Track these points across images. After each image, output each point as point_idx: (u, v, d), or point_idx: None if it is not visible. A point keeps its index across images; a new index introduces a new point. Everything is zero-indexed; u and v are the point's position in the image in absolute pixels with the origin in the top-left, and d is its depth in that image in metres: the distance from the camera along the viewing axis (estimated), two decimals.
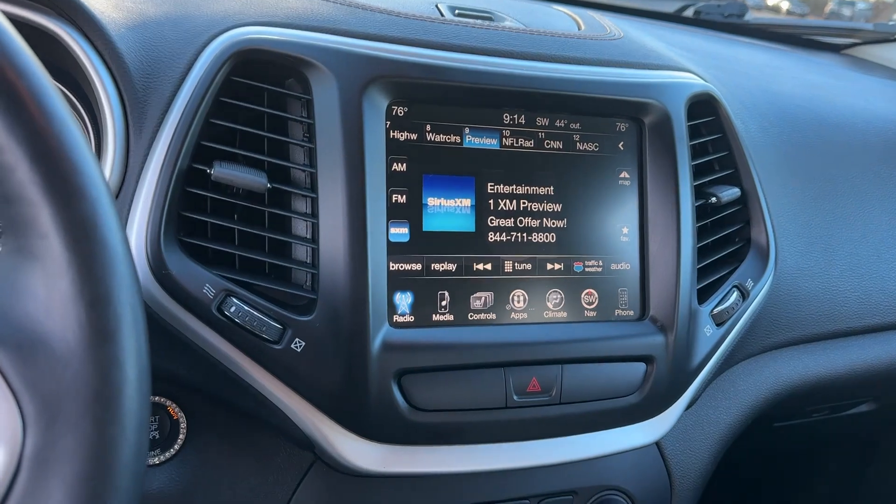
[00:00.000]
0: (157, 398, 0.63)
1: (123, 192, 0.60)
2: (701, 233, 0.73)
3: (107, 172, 0.60)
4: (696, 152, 0.73)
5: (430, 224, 0.64)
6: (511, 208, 0.66)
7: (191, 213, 0.59)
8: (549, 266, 0.68)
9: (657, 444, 0.78)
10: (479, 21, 0.70)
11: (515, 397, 0.63)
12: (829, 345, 0.87)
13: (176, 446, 0.64)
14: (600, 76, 0.68)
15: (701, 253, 0.73)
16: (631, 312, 0.70)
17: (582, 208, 0.68)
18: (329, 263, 0.59)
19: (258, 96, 0.61)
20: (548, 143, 0.68)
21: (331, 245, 0.59)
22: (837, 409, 1.02)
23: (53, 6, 0.61)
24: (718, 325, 0.73)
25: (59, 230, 0.35)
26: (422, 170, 0.64)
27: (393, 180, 0.62)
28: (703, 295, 0.72)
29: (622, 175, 0.70)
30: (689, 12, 1.34)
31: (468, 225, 0.65)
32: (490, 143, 0.66)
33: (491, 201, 0.66)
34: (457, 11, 0.72)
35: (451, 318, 0.64)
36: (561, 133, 0.68)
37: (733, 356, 0.78)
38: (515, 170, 0.67)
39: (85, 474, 0.33)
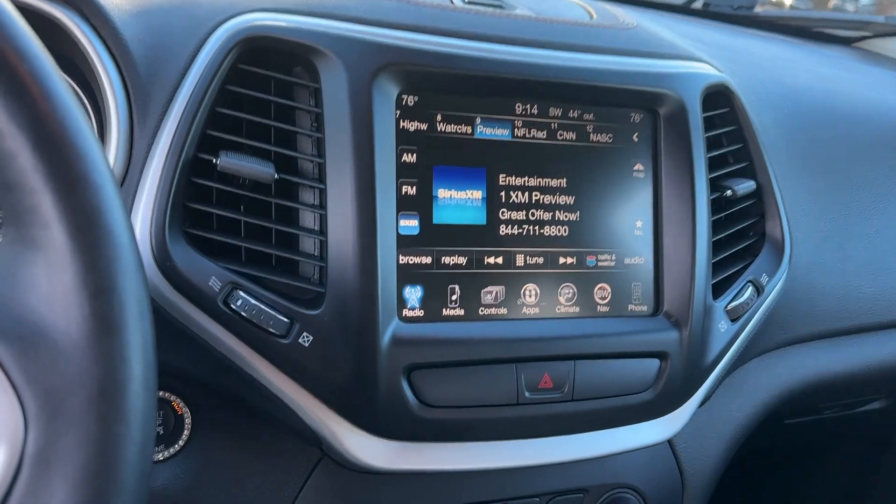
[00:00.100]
0: (161, 393, 0.62)
1: (127, 182, 0.58)
2: (715, 227, 0.72)
3: (110, 162, 0.58)
4: (710, 145, 0.72)
5: (440, 216, 0.62)
6: (523, 201, 0.65)
7: (196, 204, 0.58)
8: (562, 260, 0.66)
9: (669, 441, 0.77)
10: (490, 9, 0.69)
11: (527, 394, 0.62)
12: (843, 341, 0.85)
13: (180, 442, 0.62)
14: (615, 65, 0.66)
15: (715, 247, 0.71)
16: (644, 308, 0.68)
17: (595, 201, 0.67)
18: (337, 256, 0.58)
19: (265, 85, 0.60)
20: (561, 135, 0.66)
21: (339, 237, 0.58)
22: (849, 406, 1.01)
23: None
24: (733, 320, 0.71)
25: (62, 219, 0.34)
26: (432, 161, 0.62)
27: (403, 171, 0.61)
28: (718, 290, 0.71)
29: (636, 167, 0.69)
30: (698, 4, 1.32)
31: (479, 218, 0.64)
32: (502, 133, 0.64)
33: (502, 193, 0.64)
34: None
35: (461, 312, 0.63)
36: (574, 124, 0.66)
37: (747, 352, 0.76)
38: (527, 161, 0.65)
39: (89, 473, 0.32)
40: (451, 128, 0.63)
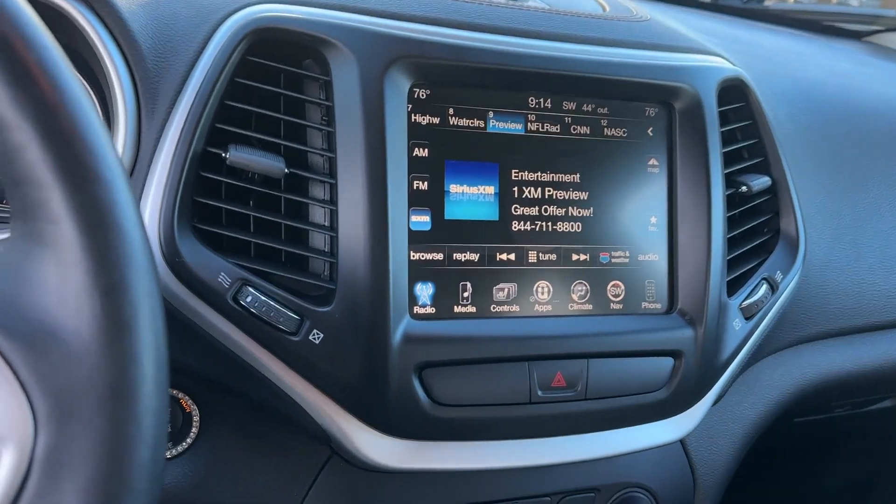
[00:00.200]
0: (169, 390, 0.61)
1: (135, 176, 0.57)
2: (730, 223, 0.70)
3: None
4: (724, 140, 0.71)
5: (452, 212, 0.61)
6: (536, 196, 0.64)
7: (205, 199, 0.57)
8: (575, 257, 0.65)
9: (681, 440, 0.76)
10: (503, 0, 0.68)
11: (540, 392, 0.61)
12: (857, 339, 0.84)
13: (188, 440, 0.62)
14: (630, 58, 0.65)
15: (729, 244, 0.70)
16: (658, 305, 0.67)
17: (609, 196, 0.66)
18: (348, 252, 0.57)
19: (275, 77, 0.59)
20: (574, 129, 0.65)
21: (350, 233, 0.57)
22: (860, 404, 1.00)
23: None
24: (747, 318, 0.70)
25: (72, 214, 0.33)
26: (444, 155, 0.61)
27: (414, 166, 0.60)
28: (732, 288, 0.70)
29: (651, 162, 0.68)
30: None
31: (491, 213, 0.63)
32: (515, 127, 0.63)
33: (515, 189, 0.63)
34: None
35: (473, 309, 0.62)
36: (588, 118, 0.65)
37: (760, 351, 0.76)
38: (541, 156, 0.64)
39: (100, 476, 0.31)
40: (463, 122, 0.62)
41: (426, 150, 0.61)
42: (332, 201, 0.58)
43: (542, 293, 0.64)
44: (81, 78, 0.61)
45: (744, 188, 0.72)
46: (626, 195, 0.67)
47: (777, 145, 0.76)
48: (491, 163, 0.63)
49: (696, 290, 0.67)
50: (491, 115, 0.63)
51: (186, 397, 0.62)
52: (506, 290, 0.63)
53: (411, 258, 0.60)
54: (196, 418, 0.62)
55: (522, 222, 0.63)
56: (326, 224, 0.58)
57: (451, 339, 0.59)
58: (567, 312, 0.64)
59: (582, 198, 0.65)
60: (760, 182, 0.73)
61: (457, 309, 0.61)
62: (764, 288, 0.72)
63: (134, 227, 0.34)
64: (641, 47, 0.68)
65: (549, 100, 0.64)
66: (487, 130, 0.63)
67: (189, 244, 0.55)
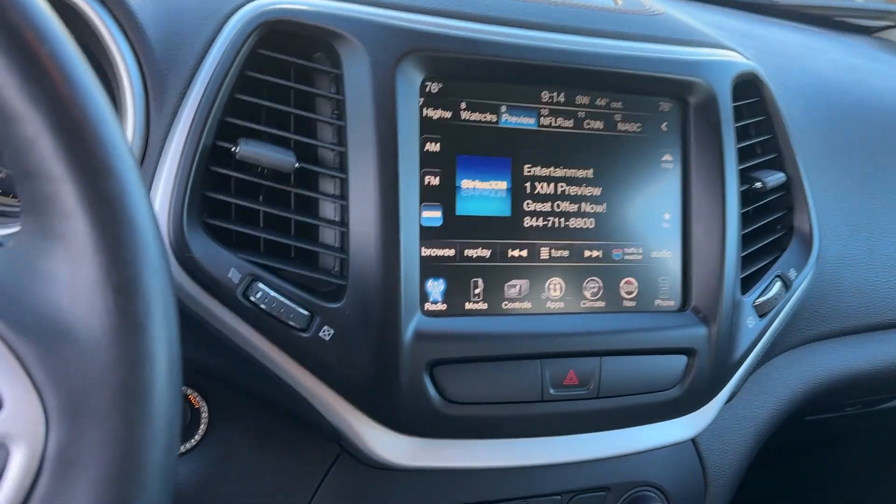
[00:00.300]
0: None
1: (143, 170, 0.57)
2: (743, 220, 0.70)
3: None
4: (738, 135, 0.70)
5: (463, 208, 0.61)
6: (548, 192, 0.63)
7: (214, 194, 0.56)
8: (587, 253, 0.64)
9: (693, 440, 0.75)
10: None
11: (552, 390, 0.60)
12: (870, 337, 0.83)
13: (197, 436, 0.61)
14: (644, 52, 0.64)
15: (743, 241, 0.69)
16: (672, 303, 0.67)
17: (622, 192, 0.65)
18: (359, 248, 0.56)
19: (285, 71, 0.58)
20: (588, 123, 0.64)
21: (361, 228, 0.56)
22: (871, 403, 0.99)
23: None
24: (761, 316, 0.69)
25: (84, 209, 0.32)
26: (456, 150, 0.60)
27: (426, 161, 0.59)
28: (745, 285, 0.69)
29: (665, 158, 0.67)
30: None
31: (503, 209, 0.62)
32: (527, 122, 0.63)
33: (527, 184, 0.63)
34: None
35: (484, 306, 0.61)
36: (602, 112, 0.65)
37: (773, 349, 0.75)
38: (553, 151, 0.63)
39: (112, 476, 0.31)
40: (475, 116, 0.61)
41: (438, 144, 0.60)
42: (343, 196, 0.57)
43: (555, 290, 0.63)
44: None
45: (758, 184, 0.71)
46: (639, 191, 0.66)
47: (791, 141, 0.75)
48: (503, 158, 0.62)
49: (709, 287, 0.66)
50: (503, 109, 0.62)
51: (195, 393, 0.61)
52: (518, 286, 0.62)
53: (422, 254, 0.59)
54: (204, 415, 0.61)
55: (535, 218, 0.63)
56: (337, 219, 0.58)
57: (463, 336, 0.59)
58: (579, 309, 0.64)
59: (595, 193, 0.65)
60: (775, 178, 0.72)
61: (468, 306, 0.61)
62: (778, 285, 0.71)
63: (147, 222, 0.33)
64: (655, 41, 0.67)
65: (562, 94, 0.63)
66: (500, 125, 0.62)
67: (198, 239, 0.55)
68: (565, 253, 0.64)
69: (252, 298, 0.55)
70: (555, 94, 0.63)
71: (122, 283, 0.32)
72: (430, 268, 0.59)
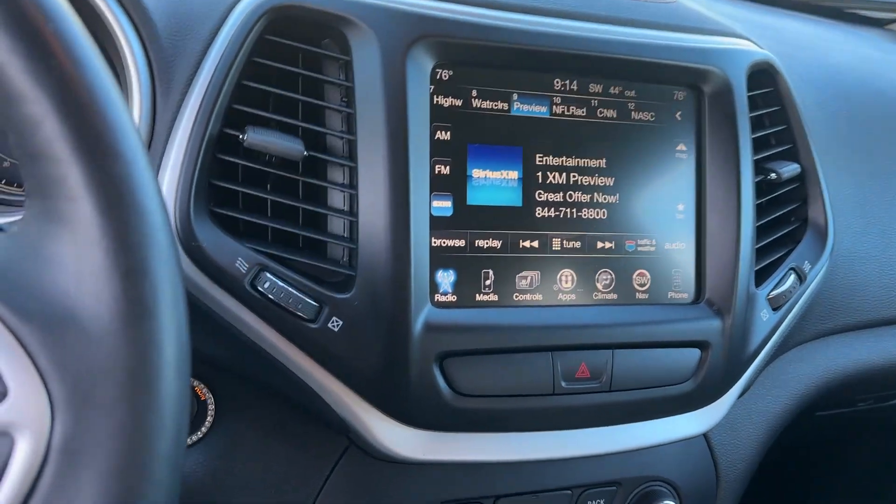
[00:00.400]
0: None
1: (149, 158, 0.56)
2: (757, 211, 0.68)
3: None
4: (752, 126, 0.69)
5: (474, 197, 0.60)
6: (560, 182, 0.62)
7: (222, 182, 0.55)
8: (600, 244, 0.63)
9: (704, 435, 0.74)
10: None
11: (563, 383, 0.59)
12: (884, 331, 0.82)
13: (203, 428, 0.60)
14: (658, 40, 0.63)
15: (757, 233, 0.68)
16: (685, 295, 0.66)
17: (635, 183, 0.64)
18: (368, 238, 0.55)
19: (293, 57, 0.57)
20: (601, 112, 0.63)
21: (371, 218, 0.55)
22: (883, 398, 0.98)
23: None
24: (775, 309, 0.68)
25: (91, 192, 0.31)
26: (467, 139, 0.59)
27: (436, 150, 0.58)
28: (759, 278, 0.68)
29: (679, 147, 0.66)
30: None
31: (514, 199, 0.61)
32: (539, 110, 0.61)
33: (539, 174, 0.61)
34: None
35: (495, 298, 0.60)
36: (615, 101, 0.63)
37: (787, 342, 0.74)
38: (566, 140, 0.62)
39: (119, 466, 0.30)
40: (486, 104, 0.60)
41: (448, 132, 0.59)
42: (353, 185, 0.56)
43: (566, 282, 0.62)
44: None
45: (773, 175, 0.70)
46: (653, 181, 0.65)
47: (806, 132, 0.74)
48: (514, 147, 0.61)
49: (724, 279, 0.65)
50: (515, 97, 0.61)
51: (201, 385, 0.60)
52: (529, 277, 0.61)
53: (433, 244, 0.58)
54: (211, 407, 0.60)
55: (546, 208, 0.62)
56: (346, 209, 0.57)
57: (473, 328, 0.58)
58: (591, 302, 0.63)
59: (608, 184, 0.63)
60: (790, 169, 0.71)
61: (479, 297, 0.60)
62: (792, 278, 0.70)
63: (155, 207, 0.33)
64: (669, 29, 0.65)
65: (575, 82, 0.62)
66: (511, 113, 0.61)
67: (205, 228, 0.54)
68: (577, 244, 0.63)
69: (260, 288, 0.54)
70: (567, 81, 0.62)
71: (130, 269, 0.31)
72: (440, 258, 0.58)
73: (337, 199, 0.57)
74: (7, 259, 0.32)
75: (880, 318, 0.81)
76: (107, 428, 0.30)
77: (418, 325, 0.55)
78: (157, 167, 0.55)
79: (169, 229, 0.33)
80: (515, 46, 0.59)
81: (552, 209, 0.62)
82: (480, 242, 0.60)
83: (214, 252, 0.53)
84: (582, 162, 0.63)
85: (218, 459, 0.61)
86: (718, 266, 0.65)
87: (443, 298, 0.58)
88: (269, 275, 0.54)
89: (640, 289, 0.64)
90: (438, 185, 0.58)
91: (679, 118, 0.66)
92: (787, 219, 0.74)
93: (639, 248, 0.64)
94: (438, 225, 0.58)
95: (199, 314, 0.55)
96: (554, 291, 0.62)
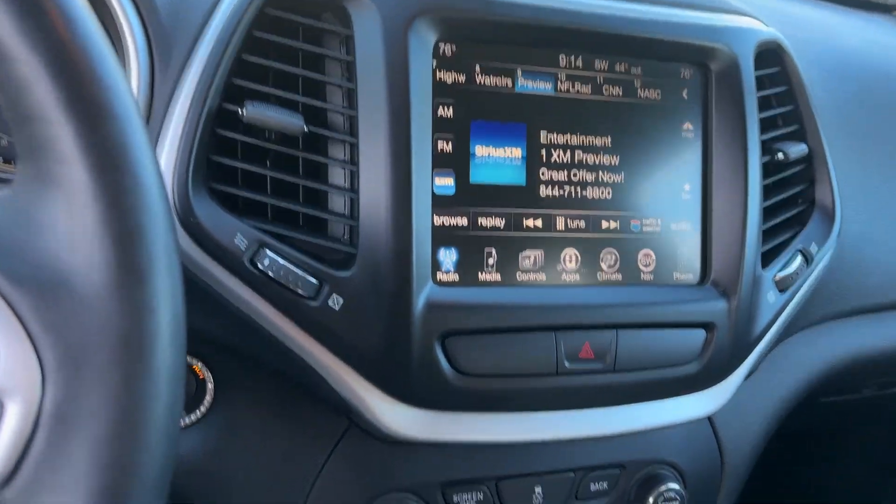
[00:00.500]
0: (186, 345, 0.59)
1: (144, 122, 0.55)
2: (764, 192, 0.67)
3: None
4: (759, 106, 0.68)
5: (477, 175, 0.59)
6: (565, 160, 0.61)
7: (221, 158, 0.54)
8: (604, 224, 0.62)
9: (709, 418, 0.74)
10: None
11: (567, 363, 0.59)
12: (891, 316, 0.81)
13: (202, 408, 0.60)
14: (665, 16, 0.62)
15: (764, 214, 0.67)
16: (690, 276, 0.65)
17: (641, 162, 0.63)
18: (369, 215, 0.54)
19: (294, 31, 0.56)
20: (606, 90, 0.62)
21: (372, 195, 0.54)
22: (887, 385, 0.97)
23: None
24: (781, 291, 0.67)
25: (83, 154, 0.30)
26: (470, 115, 0.58)
27: (439, 126, 0.57)
28: (766, 259, 0.67)
29: (685, 126, 0.65)
30: None
31: (518, 177, 0.60)
32: (544, 87, 0.60)
33: (543, 152, 0.61)
34: None
35: (498, 277, 0.59)
36: (621, 78, 0.62)
37: (793, 325, 0.73)
38: (571, 118, 0.61)
39: (112, 434, 0.29)
40: (490, 80, 0.59)
41: (451, 109, 0.58)
42: (353, 161, 0.55)
43: (570, 261, 0.61)
44: None
45: (780, 155, 0.69)
46: (658, 161, 0.64)
47: (814, 113, 0.72)
48: (518, 124, 0.60)
49: (730, 260, 0.64)
50: (519, 73, 0.60)
51: (200, 364, 0.60)
52: (532, 257, 0.60)
53: (435, 223, 0.57)
54: (210, 386, 0.60)
55: (550, 187, 0.61)
56: (347, 185, 0.56)
57: (476, 307, 0.57)
58: (595, 282, 0.62)
59: (613, 162, 0.63)
60: (797, 150, 0.70)
61: (481, 276, 0.59)
62: (799, 260, 0.69)
63: (150, 170, 0.32)
64: (676, 6, 0.64)
65: (580, 58, 0.61)
66: (515, 90, 0.60)
67: (204, 204, 0.53)
68: (581, 223, 0.62)
69: (259, 265, 0.53)
70: (573, 58, 0.61)
71: (123, 233, 0.30)
72: (442, 237, 0.58)
73: (338, 175, 0.56)
74: None
75: (888, 303, 0.80)
76: (99, 394, 0.29)
77: (420, 303, 0.55)
78: (154, 142, 0.55)
79: (164, 193, 0.32)
80: (520, 21, 0.58)
81: (556, 188, 0.61)
82: (483, 221, 0.59)
83: (213, 228, 0.53)
84: (587, 140, 0.62)
85: (217, 439, 0.60)
86: (724, 247, 0.64)
87: (445, 277, 0.58)
88: (268, 252, 0.53)
89: (645, 269, 0.64)
90: (441, 162, 0.57)
91: (686, 97, 0.65)
92: (794, 200, 0.73)
93: (644, 228, 0.64)
94: (440, 203, 0.57)
95: (198, 291, 0.54)
96: (558, 271, 0.61)
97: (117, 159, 0.31)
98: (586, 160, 0.62)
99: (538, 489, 0.65)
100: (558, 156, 0.61)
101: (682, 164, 0.64)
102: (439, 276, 0.57)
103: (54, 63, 0.30)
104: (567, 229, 0.61)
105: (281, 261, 0.53)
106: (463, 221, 0.58)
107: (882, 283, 0.80)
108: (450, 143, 0.58)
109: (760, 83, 0.69)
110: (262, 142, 0.55)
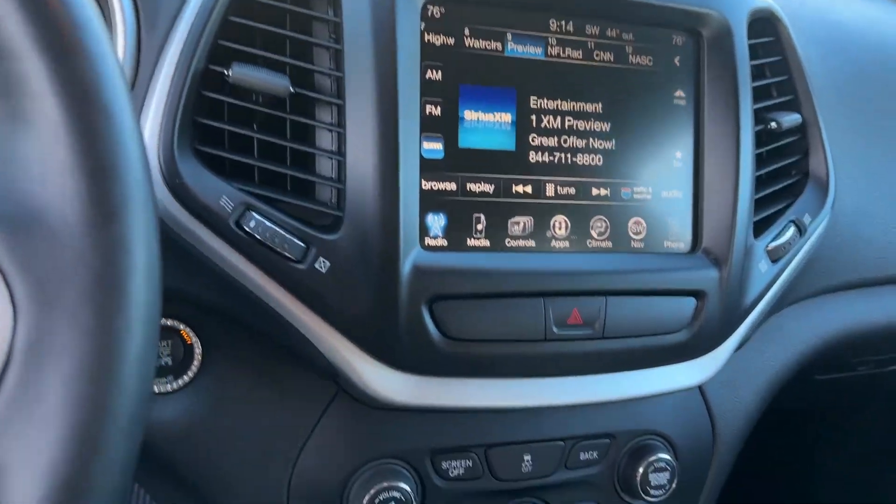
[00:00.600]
0: (169, 321, 0.59)
1: (134, 95, 0.55)
2: (757, 162, 0.67)
3: None
4: (753, 75, 0.67)
5: (466, 140, 0.58)
6: (555, 126, 0.61)
7: (207, 120, 0.54)
8: (595, 191, 0.62)
9: (700, 389, 0.73)
10: None
11: (555, 329, 0.58)
12: (886, 291, 0.81)
13: (190, 373, 0.59)
14: None
15: (757, 184, 0.67)
16: (681, 244, 0.64)
17: (632, 129, 0.63)
18: (356, 178, 0.54)
19: None
20: (598, 55, 0.62)
21: (359, 158, 0.54)
22: (884, 363, 0.97)
23: None
24: (774, 261, 0.67)
25: (55, 90, 0.30)
26: (458, 79, 0.58)
27: (427, 89, 0.57)
28: (758, 229, 0.67)
29: (677, 94, 0.64)
30: None
31: (508, 143, 0.60)
32: (534, 52, 0.60)
33: (533, 117, 0.60)
34: None
35: (486, 243, 0.59)
36: (612, 44, 0.62)
37: (786, 297, 0.72)
38: (561, 83, 0.61)
39: (84, 369, 0.29)
40: (479, 44, 0.58)
41: (439, 72, 0.57)
42: (341, 124, 0.55)
43: (560, 228, 0.61)
44: None
45: (773, 124, 0.68)
46: (650, 128, 0.63)
47: (808, 83, 0.72)
48: (508, 88, 0.59)
49: (721, 229, 0.63)
50: (509, 37, 0.59)
51: (188, 329, 0.59)
52: (521, 223, 0.60)
53: (423, 187, 0.57)
54: (198, 351, 0.60)
55: (540, 153, 0.60)
56: (334, 148, 0.55)
57: (464, 272, 0.57)
58: (585, 249, 0.61)
59: (604, 129, 0.62)
60: (790, 119, 0.69)
61: (470, 242, 0.58)
62: (791, 230, 0.69)
63: (122, 107, 0.31)
64: None
65: (571, 23, 0.60)
66: (505, 54, 0.59)
67: (190, 166, 0.53)
68: (572, 190, 0.61)
69: (245, 227, 0.53)
70: (563, 22, 0.60)
71: (96, 169, 0.30)
72: (430, 201, 0.57)
73: (325, 138, 0.56)
74: None
75: (884, 277, 0.80)
76: (72, 330, 0.29)
77: (406, 267, 0.54)
78: (140, 104, 0.54)
79: (138, 132, 0.32)
80: None
81: (546, 154, 0.61)
82: (472, 186, 0.58)
83: (199, 190, 0.52)
84: (577, 106, 0.61)
85: (204, 405, 0.60)
86: (716, 215, 0.64)
87: (433, 242, 0.57)
88: (254, 214, 0.53)
89: (636, 237, 0.63)
90: (429, 127, 0.57)
91: (678, 64, 0.64)
92: (787, 171, 0.72)
93: (635, 196, 0.63)
94: (429, 167, 0.57)
95: (185, 255, 0.54)
96: (547, 238, 0.61)
97: (89, 95, 0.30)
98: (577, 126, 0.61)
99: (527, 457, 0.65)
100: (548, 122, 0.60)
101: (673, 131, 0.64)
102: (427, 240, 0.57)
103: None
104: (557, 196, 0.61)
105: (267, 223, 0.53)
106: (451, 186, 0.58)
107: (877, 258, 0.79)
108: (438, 107, 0.57)
109: (754, 52, 0.68)
110: (249, 104, 0.55)
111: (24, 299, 0.29)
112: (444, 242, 0.58)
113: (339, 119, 0.55)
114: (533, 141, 0.60)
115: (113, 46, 0.32)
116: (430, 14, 0.57)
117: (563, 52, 0.61)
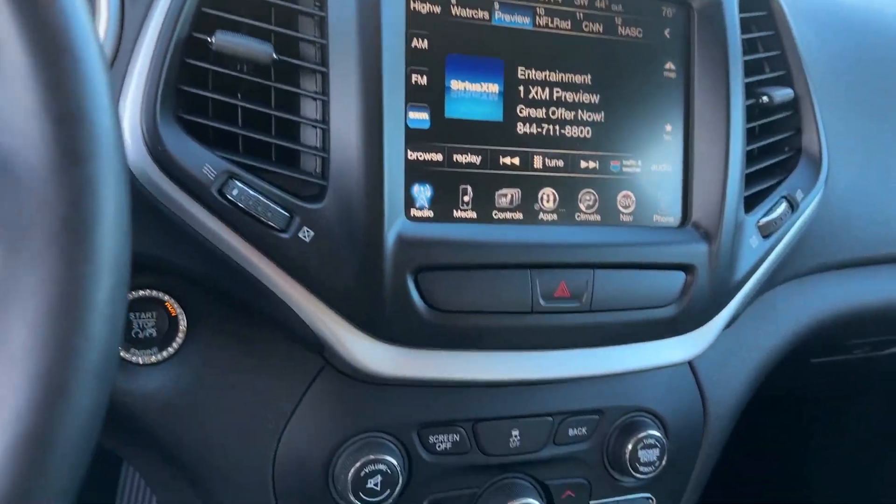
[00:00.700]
0: (153, 292, 0.58)
1: (118, 63, 0.54)
2: (749, 137, 0.67)
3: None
4: (745, 49, 0.66)
5: (452, 110, 0.58)
6: (543, 97, 0.60)
7: (190, 88, 0.53)
8: (583, 164, 0.61)
9: (691, 366, 0.73)
10: None
11: (542, 301, 0.58)
12: (879, 270, 0.80)
13: (174, 345, 0.59)
14: None
15: (749, 159, 0.66)
16: (671, 218, 0.64)
17: (622, 101, 0.62)
18: (340, 147, 0.53)
19: None
20: (587, 26, 0.61)
21: (343, 127, 0.53)
22: (878, 346, 0.96)
23: None
24: (765, 237, 0.67)
25: (19, 32, 0.29)
26: (445, 48, 0.57)
27: (413, 58, 0.56)
28: (750, 205, 0.66)
29: (667, 66, 0.63)
30: None
31: (495, 113, 0.59)
32: (522, 21, 0.59)
33: (521, 88, 0.60)
34: None
35: (473, 215, 0.58)
36: (602, 15, 0.61)
37: (777, 274, 0.72)
38: (549, 54, 0.60)
39: (50, 314, 0.29)
40: (466, 12, 0.58)
41: (426, 41, 0.57)
42: (325, 93, 0.54)
43: (548, 201, 0.60)
44: None
45: (764, 98, 0.68)
46: (639, 100, 0.63)
47: (802, 59, 0.71)
48: (495, 58, 0.59)
49: (711, 203, 0.63)
50: (497, 6, 0.59)
51: (172, 300, 0.59)
52: (509, 195, 0.59)
53: (408, 157, 0.56)
54: (183, 324, 0.59)
55: (528, 124, 0.60)
56: (318, 117, 0.55)
57: (449, 243, 0.56)
58: (573, 222, 0.61)
59: (593, 101, 0.61)
60: (782, 94, 0.69)
61: (456, 213, 0.58)
62: (783, 206, 0.68)
63: (90, 53, 0.31)
64: None
65: None
66: (493, 23, 0.59)
67: (172, 134, 0.52)
68: (560, 163, 0.61)
69: (228, 195, 0.52)
70: None
71: (63, 113, 0.30)
72: (416, 172, 0.57)
73: (309, 107, 0.55)
74: None
75: (877, 256, 0.79)
76: (38, 274, 0.29)
77: (391, 237, 0.54)
78: (123, 72, 0.54)
79: (106, 78, 0.32)
80: None
81: (534, 125, 0.60)
82: (459, 157, 0.58)
83: (181, 157, 0.52)
84: (566, 77, 0.61)
85: (189, 377, 0.60)
86: (706, 189, 0.63)
87: (419, 213, 0.57)
88: (237, 182, 0.52)
89: (625, 210, 0.63)
90: (415, 96, 0.56)
91: (668, 35, 0.63)
92: (780, 147, 0.72)
93: (624, 169, 0.63)
94: (415, 137, 0.57)
95: (168, 223, 0.54)
96: (535, 210, 0.60)
97: (55, 37, 0.30)
98: (565, 98, 0.61)
99: (515, 432, 0.65)
100: (536, 93, 0.60)
101: (663, 104, 0.63)
102: (413, 211, 0.57)
103: None
104: (545, 168, 0.60)
105: (250, 192, 0.52)
106: (438, 157, 0.57)
107: (871, 237, 0.79)
108: (424, 77, 0.57)
109: (746, 26, 0.68)
110: (233, 72, 0.54)
111: None
112: (430, 213, 0.57)
113: (323, 87, 0.55)
114: (521, 112, 0.60)
115: None
116: None
117: (552, 22, 0.60)
